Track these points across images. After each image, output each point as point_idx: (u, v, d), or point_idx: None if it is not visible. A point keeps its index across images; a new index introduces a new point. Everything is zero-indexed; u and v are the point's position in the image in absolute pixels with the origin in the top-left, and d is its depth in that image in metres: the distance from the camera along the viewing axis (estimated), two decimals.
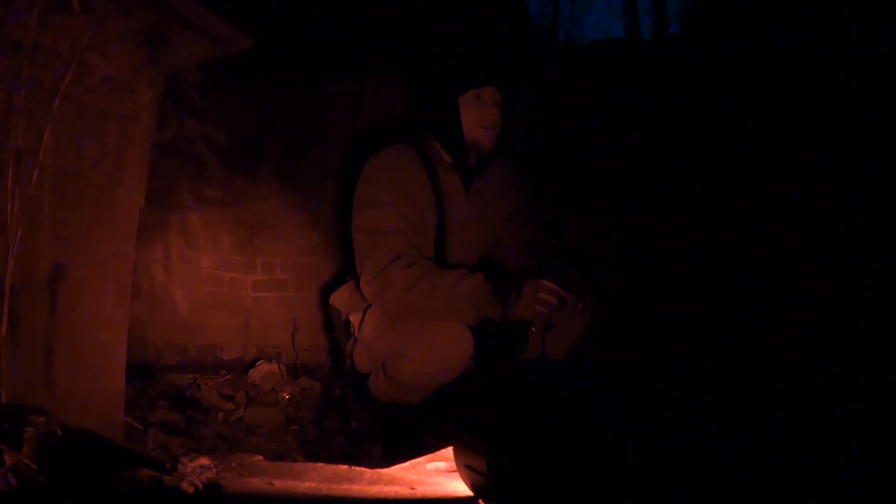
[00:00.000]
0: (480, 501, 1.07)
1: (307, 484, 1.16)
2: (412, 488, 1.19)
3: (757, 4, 2.44)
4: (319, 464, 1.32)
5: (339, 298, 2.02)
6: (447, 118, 1.92)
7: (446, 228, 1.91)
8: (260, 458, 1.34)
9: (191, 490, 1.01)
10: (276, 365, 2.45)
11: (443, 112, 1.93)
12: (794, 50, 2.25)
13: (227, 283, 2.57)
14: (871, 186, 2.04)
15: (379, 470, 1.30)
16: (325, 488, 1.14)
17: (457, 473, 1.17)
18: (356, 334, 1.95)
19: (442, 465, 1.36)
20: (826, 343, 2.04)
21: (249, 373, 2.41)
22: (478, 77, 1.92)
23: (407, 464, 1.39)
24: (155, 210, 2.27)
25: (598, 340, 2.35)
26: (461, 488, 1.15)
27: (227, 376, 2.39)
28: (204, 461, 1.11)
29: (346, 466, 1.28)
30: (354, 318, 1.96)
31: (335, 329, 2.07)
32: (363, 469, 1.27)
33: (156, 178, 1.62)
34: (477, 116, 1.91)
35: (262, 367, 2.42)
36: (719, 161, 2.42)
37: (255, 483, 1.13)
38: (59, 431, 1.00)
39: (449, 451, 1.28)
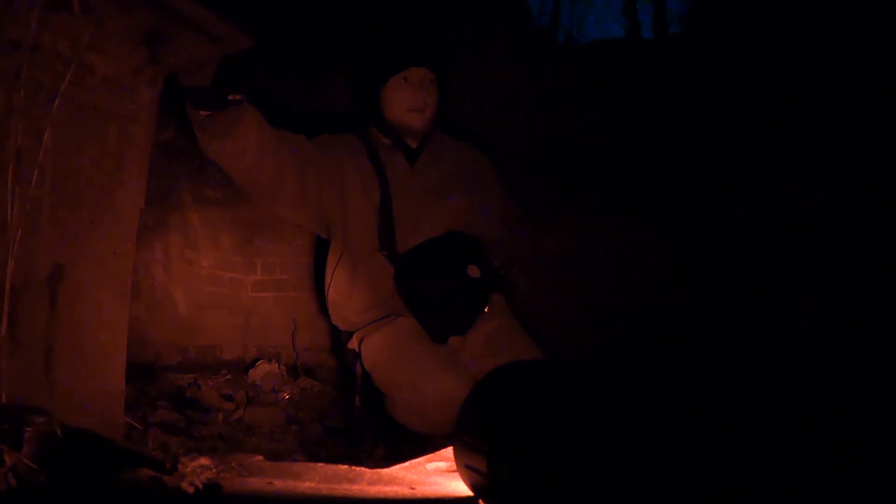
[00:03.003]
0: (480, 501, 1.07)
1: (307, 484, 1.16)
2: (412, 488, 1.19)
3: (757, 4, 2.44)
4: (319, 464, 1.31)
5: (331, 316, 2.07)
6: (372, 104, 1.98)
7: (392, 202, 1.93)
8: (260, 458, 1.34)
9: (191, 490, 1.01)
10: (276, 365, 2.45)
11: (368, 98, 1.98)
12: (795, 49, 2.25)
13: (227, 283, 2.57)
14: (871, 186, 2.04)
15: (379, 470, 1.30)
16: (325, 488, 1.14)
17: (457, 473, 1.17)
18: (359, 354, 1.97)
19: (442, 465, 1.36)
20: (826, 343, 2.04)
21: (249, 373, 2.41)
22: (402, 60, 1.94)
23: (407, 464, 1.39)
24: (155, 210, 2.27)
25: (598, 340, 2.36)
26: (461, 488, 1.15)
27: (227, 376, 2.39)
28: (204, 461, 1.11)
29: (346, 466, 1.28)
30: (353, 340, 1.98)
31: (343, 347, 2.08)
32: (363, 469, 1.27)
33: (156, 178, 1.62)
34: (405, 100, 1.94)
35: (262, 367, 2.42)
36: (719, 160, 2.42)
37: (255, 483, 1.13)
38: (59, 431, 1.00)
39: (449, 451, 1.28)
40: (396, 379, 1.77)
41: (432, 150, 2.04)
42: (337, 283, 1.97)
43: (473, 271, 1.87)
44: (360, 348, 1.94)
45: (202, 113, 1.62)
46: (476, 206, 2.04)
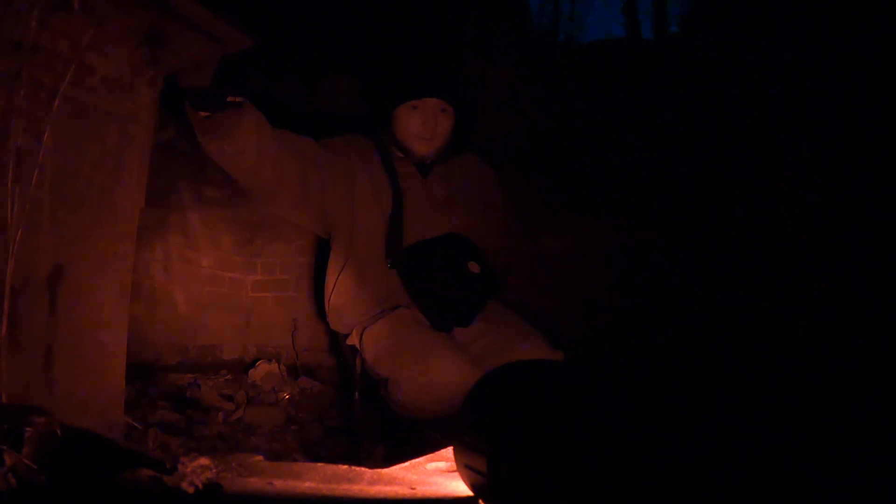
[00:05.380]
0: (480, 501, 1.07)
1: (307, 484, 1.16)
2: (412, 488, 1.19)
3: (757, 4, 2.44)
4: (319, 464, 1.32)
5: (329, 321, 2.08)
6: (383, 121, 1.99)
7: (403, 211, 1.94)
8: (260, 458, 1.34)
9: (191, 490, 1.01)
10: (276, 365, 2.45)
11: (379, 121, 1.99)
12: (795, 49, 2.25)
13: (227, 283, 2.57)
14: (871, 186, 2.04)
15: (379, 470, 1.30)
16: (325, 488, 1.14)
17: (457, 473, 1.17)
18: (360, 349, 1.97)
19: (442, 465, 1.36)
20: (826, 343, 2.04)
21: (249, 373, 2.41)
22: (413, 89, 1.94)
23: (407, 464, 1.39)
24: (155, 210, 2.27)
25: (597, 340, 2.36)
26: (461, 488, 1.15)
27: (227, 376, 2.39)
28: (204, 461, 1.11)
29: (346, 466, 1.28)
30: (353, 336, 1.99)
31: (341, 346, 2.09)
32: (363, 469, 1.28)
33: (156, 178, 1.62)
34: (414, 127, 1.94)
35: (262, 367, 2.42)
36: (719, 160, 2.42)
37: (255, 483, 1.13)
38: (59, 431, 1.00)
39: (449, 451, 1.28)
40: (402, 360, 1.78)
41: (449, 166, 2.05)
42: (340, 288, 1.97)
43: (474, 267, 1.90)
44: (360, 341, 1.94)
45: (202, 114, 1.62)
46: (480, 221, 2.06)
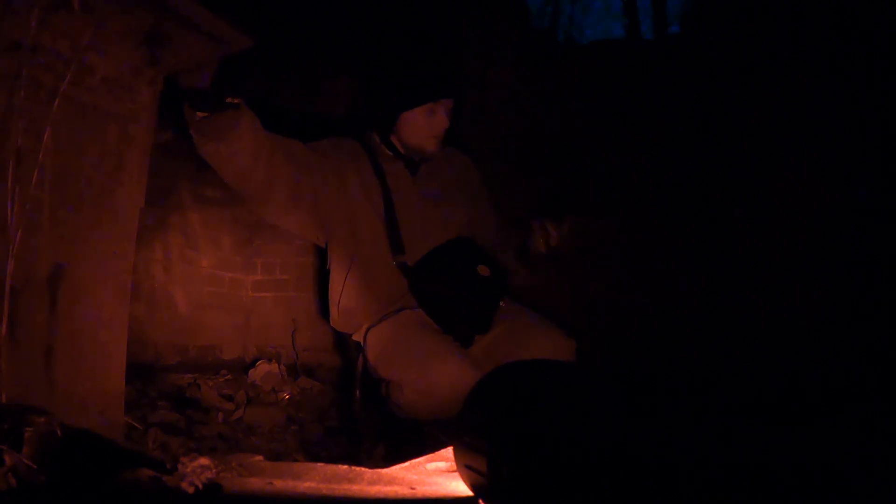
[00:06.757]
0: (480, 501, 1.07)
1: (307, 484, 1.16)
2: (412, 488, 1.19)
3: (757, 4, 2.44)
4: (319, 464, 1.31)
5: (336, 324, 2.07)
6: (388, 120, 1.97)
7: (396, 210, 1.94)
8: (260, 458, 1.34)
9: (191, 490, 1.01)
10: (276, 365, 2.45)
11: (384, 121, 1.97)
12: (795, 49, 2.25)
13: (227, 284, 2.57)
14: (871, 186, 2.04)
15: (379, 470, 1.30)
16: (325, 488, 1.14)
17: (457, 473, 1.17)
18: (363, 348, 1.97)
19: (442, 465, 1.36)
20: (826, 343, 2.04)
21: (249, 373, 2.41)
22: (434, 90, 1.94)
23: (407, 464, 1.39)
24: (155, 210, 2.27)
25: (597, 340, 2.36)
26: (461, 488, 1.15)
27: (227, 376, 2.39)
28: (204, 461, 1.11)
29: (346, 466, 1.28)
30: (357, 336, 2.00)
31: (348, 342, 2.09)
32: (363, 469, 1.27)
33: (156, 178, 1.62)
34: (428, 128, 1.94)
35: (262, 367, 2.42)
36: (719, 160, 2.42)
37: (255, 483, 1.13)
38: (59, 431, 1.00)
39: (449, 451, 1.28)
40: (404, 361, 1.78)
41: (438, 162, 2.05)
42: (349, 290, 1.97)
43: (483, 271, 1.90)
44: (364, 340, 1.94)
45: (199, 114, 1.62)
46: (474, 214, 2.07)
